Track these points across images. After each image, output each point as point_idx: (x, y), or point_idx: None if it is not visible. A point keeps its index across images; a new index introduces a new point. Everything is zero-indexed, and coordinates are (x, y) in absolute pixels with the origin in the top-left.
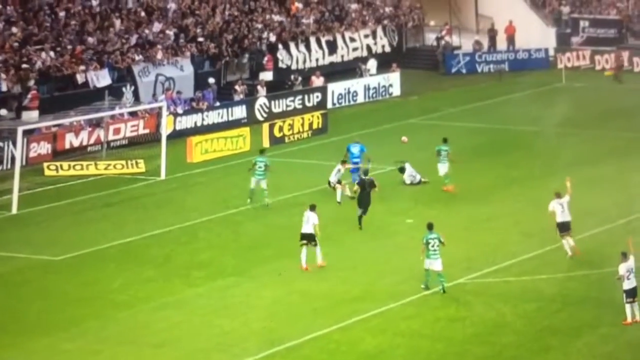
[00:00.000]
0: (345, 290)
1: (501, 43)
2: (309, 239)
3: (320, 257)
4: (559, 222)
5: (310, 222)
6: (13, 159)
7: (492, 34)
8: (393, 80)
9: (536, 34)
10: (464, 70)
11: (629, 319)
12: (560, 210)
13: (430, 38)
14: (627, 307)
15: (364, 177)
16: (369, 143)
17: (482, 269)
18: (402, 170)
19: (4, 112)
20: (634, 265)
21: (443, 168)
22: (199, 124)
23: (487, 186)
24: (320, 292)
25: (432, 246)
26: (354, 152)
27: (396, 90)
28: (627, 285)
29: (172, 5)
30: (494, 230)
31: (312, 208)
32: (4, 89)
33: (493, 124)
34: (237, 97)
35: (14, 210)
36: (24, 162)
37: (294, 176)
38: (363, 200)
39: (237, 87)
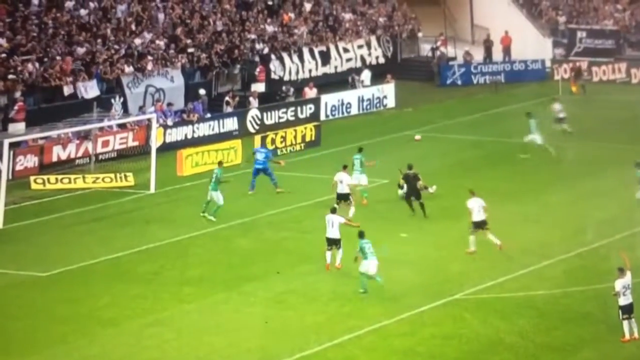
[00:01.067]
0: (338, 307)
1: (497, 54)
2: (335, 243)
3: (339, 259)
4: (475, 221)
5: (335, 226)
6: None
7: (488, 44)
8: (387, 91)
9: (532, 45)
10: (459, 82)
11: (627, 336)
12: (477, 210)
13: (425, 49)
14: (625, 323)
15: (408, 172)
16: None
17: (477, 285)
18: (401, 187)
19: None
20: (631, 281)
21: (362, 179)
22: (189, 137)
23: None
24: (312, 309)
25: (368, 249)
26: (259, 159)
27: (391, 102)
28: (623, 301)
29: (162, 15)
30: (488, 246)
31: (333, 211)
32: None
33: (489, 137)
34: (227, 109)
35: (0, 225)
36: (9, 176)
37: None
38: (412, 192)
39: (227, 98)
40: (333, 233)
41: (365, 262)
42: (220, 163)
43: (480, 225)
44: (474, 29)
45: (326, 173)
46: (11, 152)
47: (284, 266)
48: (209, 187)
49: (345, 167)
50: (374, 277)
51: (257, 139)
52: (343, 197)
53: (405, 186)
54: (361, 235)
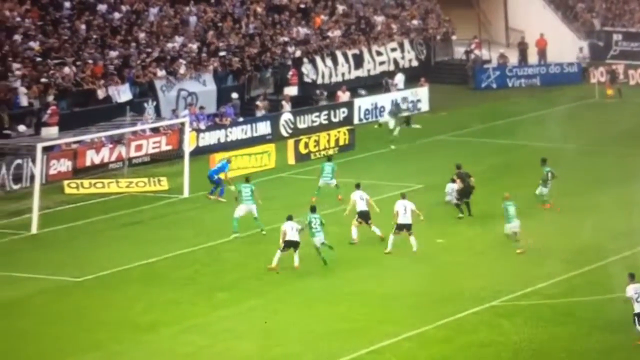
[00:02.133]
0: (372, 313)
1: (531, 57)
2: (295, 245)
3: (296, 260)
4: (400, 222)
5: (295, 229)
6: (32, 176)
7: (523, 47)
8: (421, 95)
9: (568, 48)
10: (494, 85)
11: None
12: (402, 212)
13: (459, 52)
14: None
15: (461, 171)
16: (397, 160)
17: (514, 292)
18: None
19: (22, 128)
20: None
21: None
22: (222, 140)
23: (519, 205)
24: (349, 315)
25: (314, 224)
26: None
27: (424, 106)
28: (638, 308)
29: (193, 19)
30: (525, 252)
31: (289, 218)
32: (24, 104)
33: (524, 141)
34: (259, 113)
35: (34, 230)
36: (43, 180)
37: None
38: (466, 190)
39: (258, 102)
40: (294, 236)
41: (312, 238)
42: (247, 179)
43: (403, 228)
44: (509, 32)
45: (361, 177)
46: (44, 156)
47: (315, 271)
48: (243, 202)
49: (358, 186)
50: (326, 246)
51: (291, 143)
52: (365, 216)
53: (453, 190)
54: (313, 209)
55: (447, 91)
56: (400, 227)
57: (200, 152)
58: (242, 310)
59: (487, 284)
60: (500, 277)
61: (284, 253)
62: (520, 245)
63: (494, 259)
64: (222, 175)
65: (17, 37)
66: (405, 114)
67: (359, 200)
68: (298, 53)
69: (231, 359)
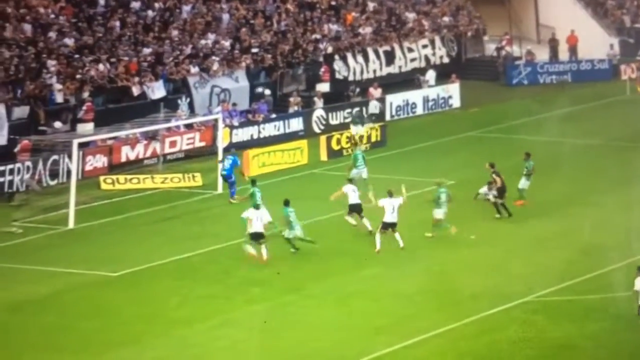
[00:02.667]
0: (404, 309)
1: (562, 54)
2: (261, 237)
3: (265, 253)
4: (385, 221)
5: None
6: (68, 172)
7: (554, 44)
8: (453, 91)
9: (598, 45)
10: (525, 82)
11: None
12: (390, 211)
13: (490, 48)
14: None
15: (496, 170)
16: (428, 156)
17: (545, 288)
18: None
19: (58, 124)
20: None
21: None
22: (255, 137)
23: (550, 202)
24: (379, 310)
25: (293, 217)
26: (226, 166)
27: (456, 102)
28: None
29: (226, 16)
30: (556, 248)
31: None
32: (59, 100)
33: (556, 137)
34: (291, 110)
35: (71, 225)
36: (79, 176)
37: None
38: (503, 189)
39: (291, 99)
40: (259, 227)
41: (289, 231)
42: (254, 182)
43: (389, 227)
44: (539, 28)
45: (393, 173)
46: (80, 152)
47: (348, 267)
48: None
49: (351, 181)
50: (306, 239)
51: (323, 139)
52: (357, 208)
53: (487, 188)
54: (286, 203)
55: (478, 87)
56: (386, 226)
57: (234, 148)
58: (277, 305)
59: (518, 280)
60: (532, 273)
61: (255, 243)
62: (434, 232)
63: (526, 255)
64: (241, 171)
65: (52, 34)
66: (368, 124)
67: (352, 192)
68: (329, 50)
69: (266, 354)
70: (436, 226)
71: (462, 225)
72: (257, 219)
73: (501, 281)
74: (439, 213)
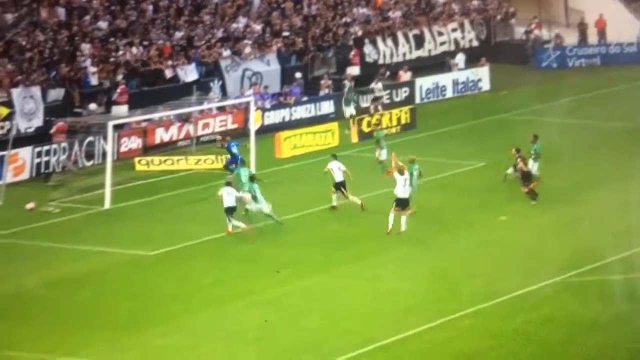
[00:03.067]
0: (435, 290)
1: (591, 37)
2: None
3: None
4: (399, 197)
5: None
6: (104, 153)
7: (582, 27)
8: (482, 74)
9: (627, 28)
10: (554, 65)
11: None
12: (402, 184)
13: (519, 32)
14: None
15: (522, 154)
16: (458, 138)
17: (575, 268)
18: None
19: (93, 106)
20: None
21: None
22: (287, 119)
23: (577, 185)
24: (409, 291)
25: (258, 193)
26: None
27: (485, 85)
28: None
29: (257, 0)
30: (586, 230)
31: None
32: (94, 83)
33: (584, 120)
34: (322, 92)
35: (107, 205)
36: (115, 157)
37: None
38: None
39: (321, 82)
40: (231, 202)
41: (256, 204)
42: (242, 162)
43: (402, 204)
44: (568, 12)
45: (423, 155)
46: (115, 134)
47: (377, 249)
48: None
49: (335, 156)
50: (272, 216)
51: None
52: (341, 185)
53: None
54: (252, 179)
55: (508, 71)
56: (400, 203)
57: (266, 131)
58: (307, 286)
59: (548, 261)
60: (562, 254)
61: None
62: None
63: (555, 237)
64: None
65: (86, 18)
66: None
67: (337, 170)
68: (359, 33)
69: (298, 333)
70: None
71: (491, 207)
72: (228, 194)
73: (531, 262)
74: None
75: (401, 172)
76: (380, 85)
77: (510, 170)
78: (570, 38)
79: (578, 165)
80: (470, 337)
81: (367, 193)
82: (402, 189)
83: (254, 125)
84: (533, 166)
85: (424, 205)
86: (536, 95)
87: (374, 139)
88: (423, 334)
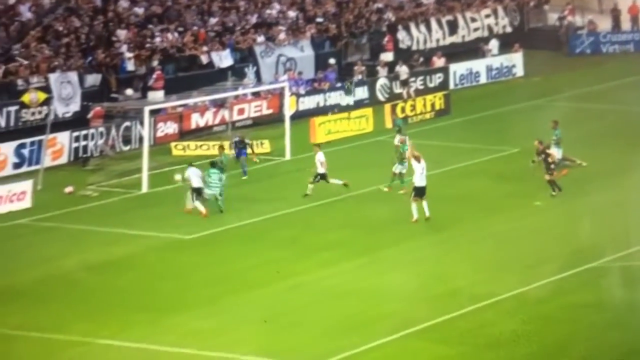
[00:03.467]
0: (474, 274)
1: (624, 24)
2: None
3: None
4: (417, 186)
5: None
6: (141, 138)
7: (616, 13)
8: (516, 60)
9: None
10: (588, 51)
11: None
12: (420, 172)
13: (552, 18)
14: None
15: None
16: (492, 124)
17: (615, 253)
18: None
19: (129, 92)
20: None
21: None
22: (321, 105)
23: (612, 170)
24: (450, 274)
25: (213, 179)
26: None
27: (519, 71)
28: None
29: None
30: (623, 215)
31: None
32: (130, 68)
33: (618, 106)
34: (355, 78)
35: (144, 189)
36: (151, 142)
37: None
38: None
39: (355, 68)
40: (198, 182)
41: (208, 191)
42: (222, 147)
43: (420, 192)
44: None
45: (457, 141)
46: (152, 119)
47: (415, 233)
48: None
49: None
50: (219, 201)
51: (387, 107)
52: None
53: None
54: (212, 165)
55: (541, 57)
56: (418, 193)
57: (300, 116)
58: (347, 268)
59: (587, 246)
60: (600, 238)
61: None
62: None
63: (593, 220)
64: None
65: (122, 3)
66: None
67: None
68: (393, 19)
69: (338, 316)
70: (397, 179)
71: (525, 192)
72: (195, 175)
73: (570, 246)
74: (400, 168)
75: (418, 160)
76: (405, 68)
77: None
78: (604, 24)
79: (612, 150)
80: (511, 319)
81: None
82: (420, 177)
83: (288, 110)
84: (557, 152)
85: (461, 191)
86: (570, 81)
87: (394, 127)
88: (465, 316)
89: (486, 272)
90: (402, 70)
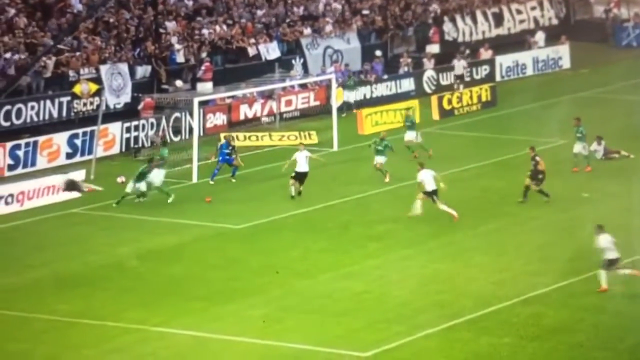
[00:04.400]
0: (523, 265)
1: None
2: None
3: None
4: (429, 190)
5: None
6: (190, 129)
7: None
8: (562, 52)
9: None
10: (634, 43)
11: None
12: (429, 180)
13: (598, 10)
14: None
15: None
16: (538, 116)
17: None
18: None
19: (179, 83)
20: None
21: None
22: (367, 97)
23: None
24: (497, 265)
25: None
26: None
27: (566, 63)
28: (613, 254)
29: None
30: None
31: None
32: (180, 60)
33: None
34: (402, 70)
35: (194, 180)
36: (201, 133)
37: (465, 150)
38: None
39: (401, 59)
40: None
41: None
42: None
43: (431, 194)
44: None
45: (504, 133)
46: (201, 110)
47: (466, 224)
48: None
49: (303, 145)
50: (163, 190)
51: (434, 99)
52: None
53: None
54: (164, 144)
55: (587, 49)
56: (428, 194)
57: (347, 108)
58: (395, 259)
59: (636, 236)
60: None
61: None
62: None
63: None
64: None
65: None
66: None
67: (302, 159)
68: (438, 11)
69: (388, 304)
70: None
71: (573, 183)
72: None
73: (619, 238)
74: (381, 159)
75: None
76: (463, 62)
77: (592, 148)
78: None
79: None
80: (560, 311)
81: (449, 169)
82: (430, 184)
83: (335, 102)
84: (583, 148)
85: (510, 182)
86: (617, 73)
87: (404, 123)
88: (513, 307)
89: (533, 263)
90: (460, 64)
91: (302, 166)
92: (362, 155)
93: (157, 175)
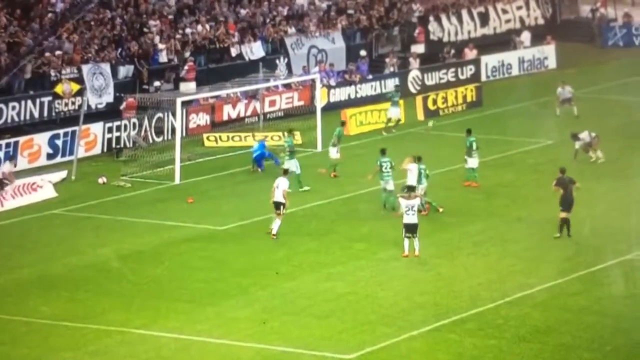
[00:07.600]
0: (510, 266)
1: None
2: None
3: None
4: (408, 184)
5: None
6: (173, 129)
7: None
8: (548, 52)
9: None
10: (620, 43)
11: None
12: (411, 175)
13: (585, 10)
14: None
15: (565, 176)
16: (524, 116)
17: None
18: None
19: (157, 84)
20: None
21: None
22: (352, 97)
23: None
24: (484, 266)
25: (385, 168)
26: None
27: (552, 63)
28: None
29: None
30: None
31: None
32: (162, 60)
33: None
34: (387, 70)
35: (177, 181)
36: (184, 133)
37: (450, 150)
38: (566, 199)
39: (387, 60)
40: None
41: (382, 181)
42: (290, 131)
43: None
44: None
45: (489, 133)
46: (184, 110)
47: (452, 224)
48: (285, 159)
49: (285, 172)
50: (390, 193)
51: (419, 99)
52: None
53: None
54: (383, 152)
55: (574, 49)
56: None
57: (331, 108)
58: (380, 259)
59: (623, 237)
60: (635, 230)
61: None
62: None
63: (629, 212)
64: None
65: None
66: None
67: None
68: (423, 11)
69: (373, 306)
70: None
71: None
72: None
73: (608, 238)
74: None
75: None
76: (568, 87)
77: (577, 145)
78: (638, 16)
79: None
80: (546, 311)
81: (435, 170)
82: (411, 178)
83: (320, 102)
84: (472, 163)
85: (494, 182)
86: (603, 73)
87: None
88: (498, 308)
89: (521, 263)
90: (567, 90)
91: (277, 196)
92: (346, 155)
93: (292, 165)
